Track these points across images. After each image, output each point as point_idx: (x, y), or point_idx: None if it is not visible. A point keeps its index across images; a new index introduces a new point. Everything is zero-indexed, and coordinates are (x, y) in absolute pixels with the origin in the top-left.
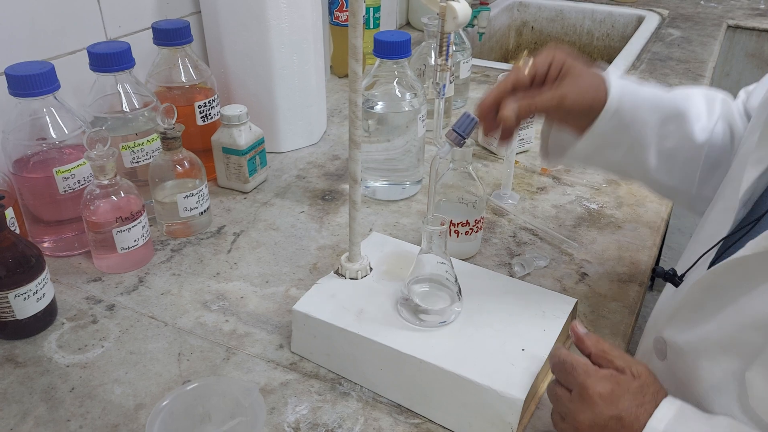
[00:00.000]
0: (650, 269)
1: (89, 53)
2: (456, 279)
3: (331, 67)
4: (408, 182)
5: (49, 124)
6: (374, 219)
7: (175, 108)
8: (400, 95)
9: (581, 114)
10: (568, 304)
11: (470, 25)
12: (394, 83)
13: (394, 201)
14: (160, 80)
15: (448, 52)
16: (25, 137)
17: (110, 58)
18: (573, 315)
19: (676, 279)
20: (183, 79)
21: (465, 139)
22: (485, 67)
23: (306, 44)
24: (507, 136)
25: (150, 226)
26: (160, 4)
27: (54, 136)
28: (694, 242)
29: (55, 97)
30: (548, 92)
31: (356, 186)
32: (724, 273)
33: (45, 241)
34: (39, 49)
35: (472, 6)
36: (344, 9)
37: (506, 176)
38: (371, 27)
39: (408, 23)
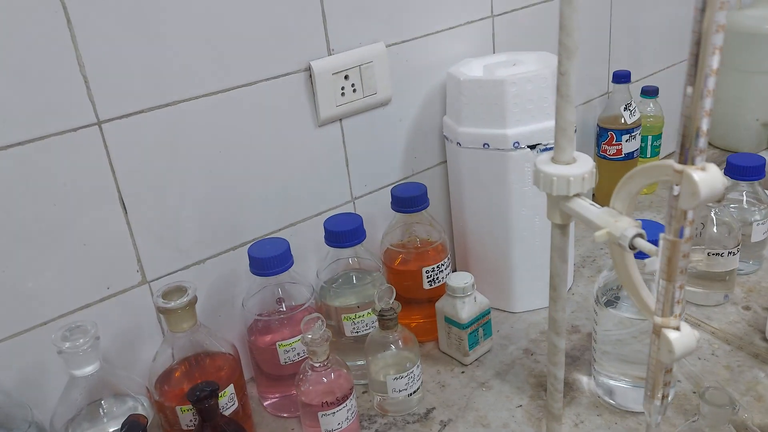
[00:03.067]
0: None
1: (326, 229)
2: None
3: (593, 195)
4: None
5: (281, 295)
6: None
7: (393, 289)
8: None
9: None
10: None
11: None
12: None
13: (635, 413)
14: (393, 240)
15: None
16: (258, 306)
17: (344, 236)
18: None
19: None
20: (416, 240)
21: None
22: None
23: None
24: None
25: (364, 393)
26: (408, 159)
27: (283, 307)
28: None
29: (288, 272)
30: None
31: None
32: None
33: (269, 399)
34: (286, 216)
35: None
36: (613, 142)
37: None
38: (648, 155)
39: None
